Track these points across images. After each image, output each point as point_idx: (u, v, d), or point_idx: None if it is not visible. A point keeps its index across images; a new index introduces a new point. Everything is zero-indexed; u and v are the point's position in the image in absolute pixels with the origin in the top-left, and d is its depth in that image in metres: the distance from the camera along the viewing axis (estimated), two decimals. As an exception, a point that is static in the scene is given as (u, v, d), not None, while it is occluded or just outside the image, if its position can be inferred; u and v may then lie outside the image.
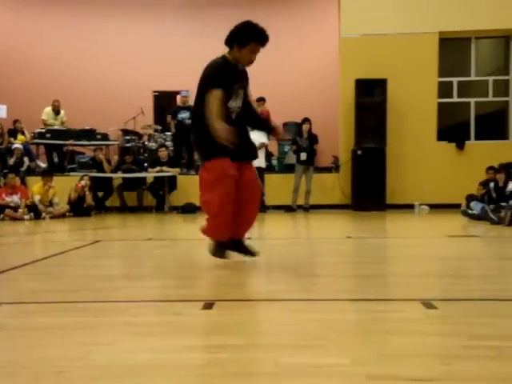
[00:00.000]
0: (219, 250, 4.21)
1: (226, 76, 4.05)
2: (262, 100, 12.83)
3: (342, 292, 3.33)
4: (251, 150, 4.37)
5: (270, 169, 13.05)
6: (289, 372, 1.89)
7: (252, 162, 4.36)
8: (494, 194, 9.36)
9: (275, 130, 4.51)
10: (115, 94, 15.47)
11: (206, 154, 4.11)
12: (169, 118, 13.95)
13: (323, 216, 10.42)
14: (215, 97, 3.94)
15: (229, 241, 4.21)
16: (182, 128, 12.95)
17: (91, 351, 2.14)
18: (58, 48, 15.84)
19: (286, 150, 13.54)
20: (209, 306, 2.87)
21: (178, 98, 13.66)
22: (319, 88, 14.65)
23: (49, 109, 13.57)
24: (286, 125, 14.37)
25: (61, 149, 13.28)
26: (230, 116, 4.10)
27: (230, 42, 4.12)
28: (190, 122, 12.80)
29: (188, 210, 11.63)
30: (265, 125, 4.65)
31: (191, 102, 13.26)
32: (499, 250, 5.83)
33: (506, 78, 12.40)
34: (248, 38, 4.02)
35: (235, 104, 4.16)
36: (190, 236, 7.57)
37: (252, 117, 4.42)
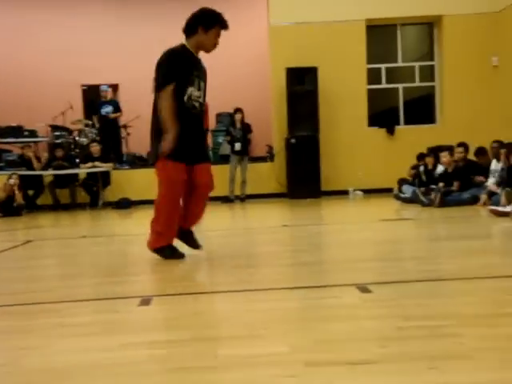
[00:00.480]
0: (171, 253, 4.13)
1: (183, 64, 4.00)
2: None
3: (279, 281, 3.35)
4: (204, 152, 4.36)
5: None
6: (228, 364, 1.88)
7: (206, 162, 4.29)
8: (423, 177, 9.63)
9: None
10: (42, 88, 15.02)
11: (156, 154, 4.05)
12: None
13: (260, 205, 10.47)
14: (167, 95, 3.90)
15: (177, 232, 4.18)
16: (107, 123, 12.78)
17: (23, 355, 2.07)
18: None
19: (221, 140, 13.51)
20: (146, 302, 2.83)
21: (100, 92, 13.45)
22: (250, 77, 14.67)
23: (-30, 105, 13.05)
24: (219, 115, 14.35)
25: (-14, 147, 12.81)
26: (193, 106, 4.04)
27: (192, 27, 4.10)
28: (114, 115, 12.71)
29: (123, 205, 11.46)
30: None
31: (111, 95, 13.13)
32: (430, 231, 6.01)
33: (431, 63, 12.74)
34: (213, 21, 4.08)
35: (197, 93, 4.09)
36: (126, 232, 7.46)
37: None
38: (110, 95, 13.19)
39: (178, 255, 4.13)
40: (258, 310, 2.61)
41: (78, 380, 1.82)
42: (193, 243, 4.29)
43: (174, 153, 3.90)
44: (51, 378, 1.85)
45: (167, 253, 4.11)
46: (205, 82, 4.28)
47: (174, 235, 4.15)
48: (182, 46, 4.12)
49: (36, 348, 2.17)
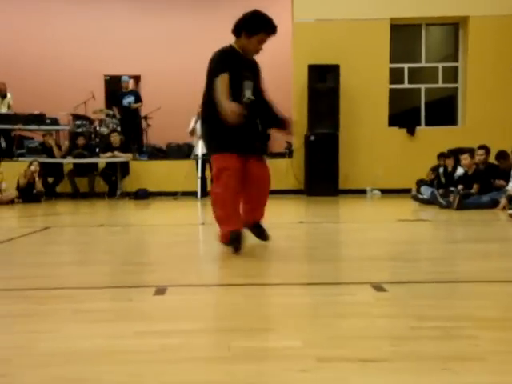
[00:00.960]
0: (234, 241, 4.03)
1: (232, 63, 4.03)
2: None
3: (294, 276, 3.35)
4: (259, 144, 4.36)
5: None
6: (240, 356, 1.89)
7: (262, 156, 4.36)
8: (443, 179, 9.56)
9: (285, 124, 4.42)
10: (65, 78, 15.16)
11: (211, 148, 4.15)
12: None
13: (276, 201, 10.44)
14: (223, 81, 3.92)
15: (243, 227, 4.21)
16: (128, 113, 12.83)
17: (38, 339, 2.09)
18: (5, 30, 15.39)
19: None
20: (161, 291, 2.84)
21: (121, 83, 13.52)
22: (272, 73, 14.60)
23: (-7, 92, 13.18)
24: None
25: (9, 134, 12.93)
26: (243, 98, 4.06)
27: (238, 30, 4.12)
28: (135, 105, 12.78)
29: (140, 195, 11.53)
30: (275, 119, 4.48)
31: (132, 86, 13.17)
32: (447, 233, 5.97)
33: (455, 64, 12.63)
34: (257, 27, 4.07)
35: (247, 94, 4.09)
36: (142, 222, 7.50)
37: (263, 109, 4.36)
38: (131, 86, 13.25)
39: (236, 244, 4.02)
40: (272, 304, 2.61)
41: (90, 365, 1.83)
42: (262, 236, 4.36)
43: (224, 144, 3.96)
44: (64, 361, 1.87)
45: (232, 238, 4.02)
46: (256, 80, 4.33)
47: (236, 223, 4.09)
48: (230, 46, 4.19)
49: (51, 332, 2.19)
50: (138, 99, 12.97)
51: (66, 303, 2.67)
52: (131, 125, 12.94)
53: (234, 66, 4.03)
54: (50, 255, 4.35)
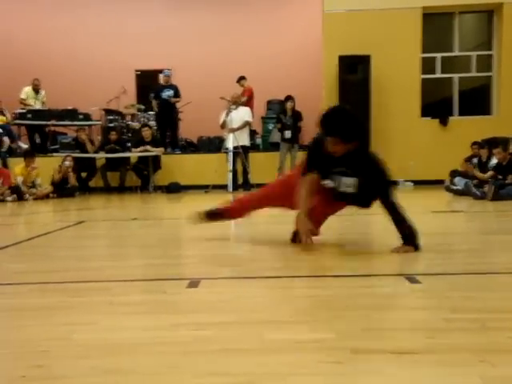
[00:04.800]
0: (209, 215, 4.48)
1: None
2: (243, 79, 12.81)
3: (325, 268, 3.34)
4: None
5: (254, 147, 13.04)
6: (274, 348, 1.89)
7: None
8: (477, 169, 9.42)
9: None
10: (97, 73, 15.32)
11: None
12: (151, 97, 13.88)
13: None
14: None
15: None
16: (167, 107, 12.88)
17: (75, 331, 2.13)
18: (37, 27, 15.62)
19: (271, 128, 13.51)
20: (194, 284, 2.86)
21: (161, 77, 13.57)
22: (303, 65, 14.59)
23: (29, 88, 13.38)
24: (269, 102, 14.33)
25: (43, 129, 13.14)
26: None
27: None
28: (174, 99, 12.83)
29: (173, 189, 11.62)
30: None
31: (172, 81, 13.21)
32: (482, 224, 5.88)
33: (489, 53, 12.42)
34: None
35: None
36: (175, 215, 7.55)
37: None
38: (172, 79, 13.27)
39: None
40: (304, 296, 2.61)
41: (125, 356, 1.86)
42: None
43: None
44: (101, 352, 1.89)
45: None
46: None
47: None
48: None
49: (87, 324, 2.22)
50: (177, 94, 13.01)
51: (102, 296, 2.71)
52: (168, 118, 13.00)
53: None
54: (86, 249, 4.41)
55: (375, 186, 3.85)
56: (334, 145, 3.68)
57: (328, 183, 3.89)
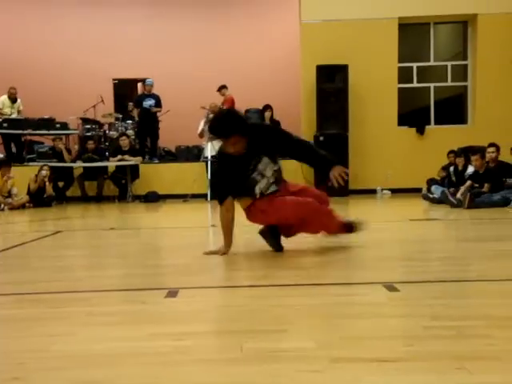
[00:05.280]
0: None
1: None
2: (224, 88, 12.83)
3: (305, 277, 3.35)
4: None
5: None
6: (253, 357, 1.89)
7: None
8: (453, 178, 9.53)
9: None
10: (74, 82, 15.22)
11: None
12: (130, 106, 13.81)
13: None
14: None
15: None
16: (147, 116, 12.85)
17: (53, 342, 2.10)
18: (14, 35, 15.49)
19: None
20: (173, 294, 2.85)
21: (140, 86, 13.54)
22: (280, 74, 14.66)
23: (4, 97, 13.22)
24: (247, 111, 14.35)
25: (19, 138, 13.00)
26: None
27: None
28: (155, 109, 12.79)
29: (151, 198, 11.55)
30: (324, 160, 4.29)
31: (154, 90, 13.18)
32: (458, 232, 5.94)
33: (464, 62, 12.59)
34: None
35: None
36: (154, 225, 7.52)
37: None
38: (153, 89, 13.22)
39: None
40: (284, 305, 2.61)
41: (104, 367, 1.84)
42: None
43: None
44: (79, 364, 1.88)
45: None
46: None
47: None
48: None
49: (65, 335, 2.20)
50: (159, 103, 12.98)
51: (80, 307, 2.69)
52: (148, 127, 12.97)
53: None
54: (63, 259, 4.37)
55: (279, 142, 4.13)
56: (234, 144, 3.93)
57: (260, 183, 4.05)
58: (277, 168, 4.15)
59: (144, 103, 12.89)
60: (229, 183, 4.08)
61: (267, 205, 4.06)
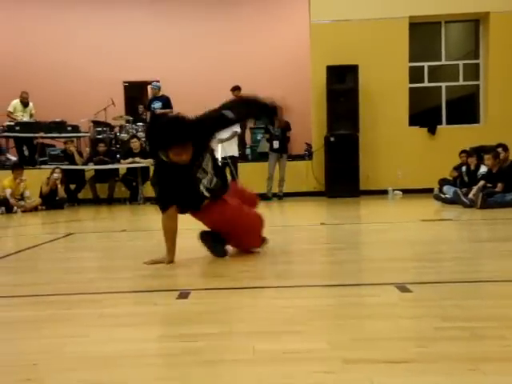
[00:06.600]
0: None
1: None
2: (238, 89, 12.83)
3: (316, 278, 3.34)
4: None
5: (243, 158, 13.04)
6: (265, 358, 1.88)
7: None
8: (465, 178, 9.47)
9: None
10: (85, 85, 15.30)
11: None
12: (141, 108, 13.83)
13: (297, 203, 10.45)
14: None
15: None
16: (154, 118, 12.88)
17: (65, 343, 2.11)
18: (25, 39, 15.59)
19: (259, 138, 13.53)
20: (184, 295, 2.85)
21: (150, 88, 13.59)
22: (291, 75, 14.65)
23: (16, 101, 13.33)
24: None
25: (31, 142, 13.08)
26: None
27: None
28: (160, 111, 12.84)
29: (162, 200, 11.55)
30: (265, 109, 4.38)
31: (161, 92, 13.20)
32: (471, 232, 5.90)
33: (476, 61, 12.51)
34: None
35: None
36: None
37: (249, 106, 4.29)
38: (160, 92, 13.24)
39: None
40: (294, 306, 2.60)
41: (116, 369, 1.85)
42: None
43: None
44: (91, 365, 1.88)
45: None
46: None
47: None
48: None
49: (77, 336, 2.21)
50: (167, 105, 12.99)
51: (92, 308, 2.69)
52: None
53: None
54: (75, 261, 4.39)
55: (210, 129, 4.01)
56: (178, 154, 3.63)
57: (203, 180, 3.91)
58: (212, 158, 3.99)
59: (152, 106, 12.95)
60: (172, 192, 3.84)
61: (209, 207, 4.01)
